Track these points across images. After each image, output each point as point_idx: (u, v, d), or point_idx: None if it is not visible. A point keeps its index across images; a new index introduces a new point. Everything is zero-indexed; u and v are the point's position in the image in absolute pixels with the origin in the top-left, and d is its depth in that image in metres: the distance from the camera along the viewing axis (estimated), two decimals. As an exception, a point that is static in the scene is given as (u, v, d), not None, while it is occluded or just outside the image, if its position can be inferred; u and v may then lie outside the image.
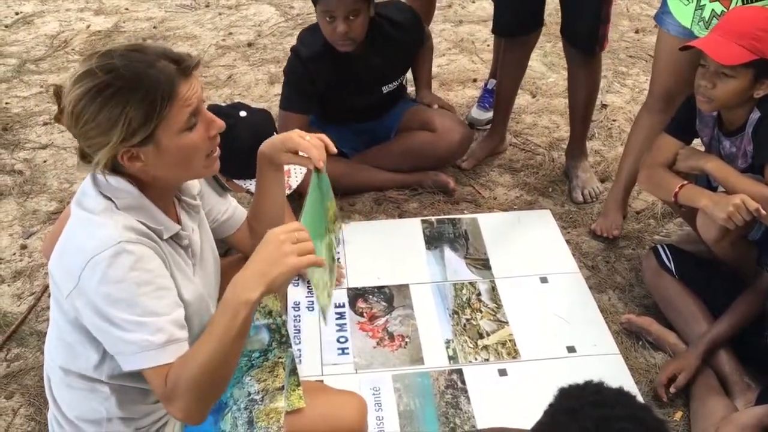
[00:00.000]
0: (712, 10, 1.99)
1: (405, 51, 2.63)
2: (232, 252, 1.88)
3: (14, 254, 2.42)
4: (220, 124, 1.32)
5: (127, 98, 1.19)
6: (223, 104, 2.24)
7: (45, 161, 2.86)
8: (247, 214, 1.64)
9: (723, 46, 1.83)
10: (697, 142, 2.16)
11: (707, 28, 2.01)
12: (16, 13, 4.02)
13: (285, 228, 1.20)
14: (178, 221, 1.37)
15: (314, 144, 1.42)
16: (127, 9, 4.10)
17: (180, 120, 1.24)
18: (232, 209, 1.61)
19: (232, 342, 1.19)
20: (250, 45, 3.74)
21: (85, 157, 1.27)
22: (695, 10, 2.04)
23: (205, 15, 4.05)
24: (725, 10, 1.98)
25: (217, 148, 1.33)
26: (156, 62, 1.22)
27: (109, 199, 1.26)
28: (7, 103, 3.22)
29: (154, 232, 1.28)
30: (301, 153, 1.44)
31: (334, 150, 1.45)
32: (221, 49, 3.71)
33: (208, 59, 3.60)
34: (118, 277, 1.18)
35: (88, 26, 3.90)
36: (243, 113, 1.96)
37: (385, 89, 2.65)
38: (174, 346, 1.22)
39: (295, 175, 2.09)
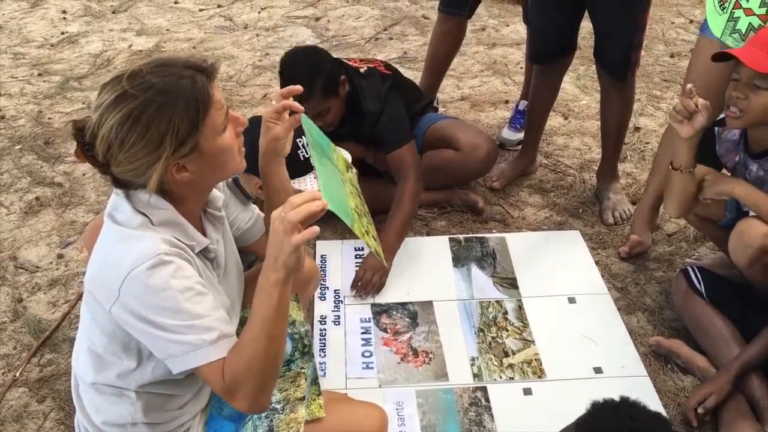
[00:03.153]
0: (749, 23, 1.98)
1: (365, 137, 2.53)
2: (257, 262, 1.90)
3: (51, 263, 2.48)
4: (243, 120, 1.36)
5: (171, 111, 1.22)
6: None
7: (84, 174, 2.94)
8: (264, 219, 1.67)
9: (759, 56, 1.80)
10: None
11: (743, 41, 1.99)
12: (62, 33, 4.16)
13: (283, 206, 1.20)
14: (204, 233, 1.40)
15: (280, 98, 1.48)
16: (168, 30, 4.22)
17: (218, 122, 1.28)
18: (254, 218, 1.64)
19: (274, 324, 1.23)
20: (285, 65, 3.81)
21: (123, 183, 1.29)
22: (727, 21, 2.03)
23: (243, 36, 4.15)
24: (762, 24, 1.96)
25: (243, 145, 1.37)
26: (184, 72, 1.26)
27: (144, 214, 1.29)
28: (50, 118, 3.32)
29: (188, 247, 1.31)
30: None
31: (300, 91, 1.49)
32: (257, 69, 3.78)
33: (245, 79, 3.68)
34: (160, 286, 1.22)
35: (130, 46, 4.01)
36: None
37: (368, 160, 2.62)
38: (224, 341, 1.27)
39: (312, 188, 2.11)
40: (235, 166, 1.36)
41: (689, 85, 1.89)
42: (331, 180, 1.36)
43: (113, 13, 4.43)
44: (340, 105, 2.41)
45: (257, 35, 4.16)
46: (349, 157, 1.59)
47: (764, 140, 1.94)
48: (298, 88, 1.51)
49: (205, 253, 1.38)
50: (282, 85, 2.31)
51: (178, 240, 1.30)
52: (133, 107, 1.22)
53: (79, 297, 2.27)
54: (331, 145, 1.53)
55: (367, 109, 2.46)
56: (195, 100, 1.24)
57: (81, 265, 2.44)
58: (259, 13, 4.43)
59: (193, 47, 4.01)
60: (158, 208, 1.30)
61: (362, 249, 2.51)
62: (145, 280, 1.21)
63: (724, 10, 2.03)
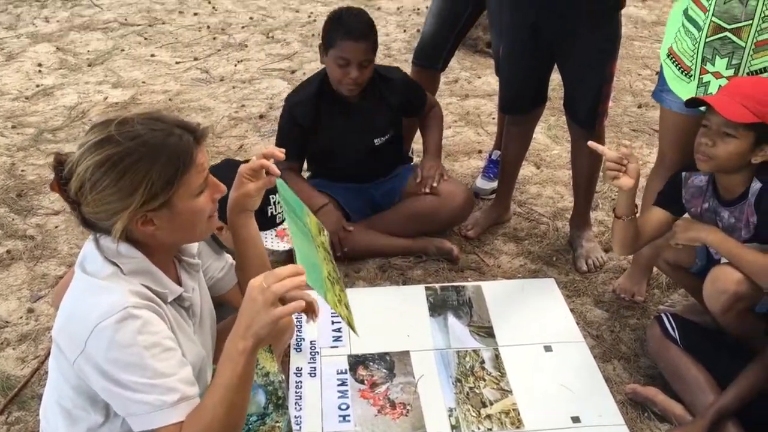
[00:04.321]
0: (719, 86, 2.04)
1: (393, 106, 2.74)
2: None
3: (21, 318, 2.43)
4: (223, 188, 1.36)
5: (151, 164, 1.24)
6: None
7: (56, 227, 2.91)
8: (235, 269, 1.66)
9: (729, 104, 1.86)
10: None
11: None
12: (37, 86, 4.17)
13: (262, 277, 1.20)
14: (179, 282, 1.39)
15: (261, 158, 1.50)
16: (144, 82, 4.24)
17: (195, 184, 1.29)
18: (227, 267, 1.64)
19: (237, 392, 1.21)
20: (261, 117, 3.85)
21: (90, 224, 1.30)
22: (698, 87, 2.08)
23: (219, 88, 4.19)
24: None
25: (216, 211, 1.37)
26: (174, 130, 1.28)
27: (115, 264, 1.29)
28: (23, 171, 3.30)
29: (158, 296, 1.30)
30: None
31: (281, 156, 1.53)
32: (233, 121, 3.81)
33: (221, 130, 3.70)
34: (126, 342, 1.20)
35: (106, 98, 4.03)
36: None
37: (376, 141, 2.73)
38: (185, 403, 1.25)
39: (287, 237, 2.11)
40: (202, 232, 1.36)
41: (624, 146, 1.97)
42: (306, 249, 1.37)
43: (89, 66, 4.45)
44: (373, 67, 2.61)
45: (233, 87, 4.20)
46: (323, 227, 1.62)
47: (734, 187, 1.99)
48: (281, 152, 1.54)
49: (179, 302, 1.37)
50: (333, 36, 2.50)
51: (150, 289, 1.29)
52: (114, 153, 1.23)
53: (49, 352, 2.22)
54: (304, 209, 1.54)
55: (393, 77, 2.74)
56: (177, 158, 1.25)
57: (51, 320, 2.40)
58: (236, 66, 4.49)
59: (170, 99, 4.04)
60: (129, 257, 1.29)
61: (338, 299, 2.50)
62: (111, 335, 1.20)
63: (691, 78, 2.09)
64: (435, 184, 2.71)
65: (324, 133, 2.66)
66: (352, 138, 2.69)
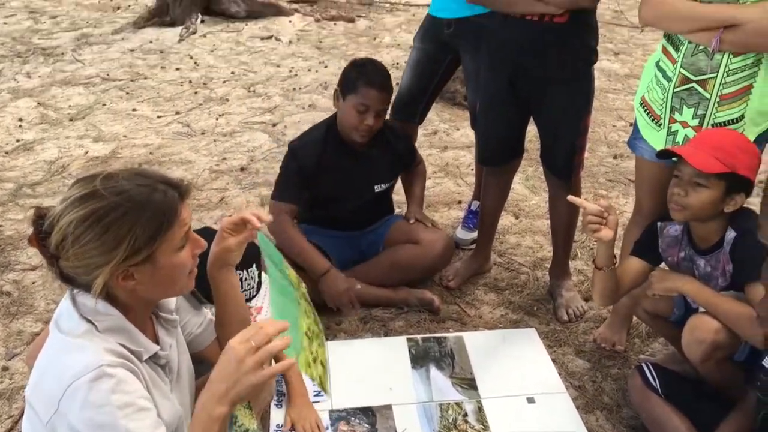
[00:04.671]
0: (685, 135, 2.10)
1: (397, 155, 2.81)
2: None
3: (-5, 376, 2.39)
4: (203, 243, 1.37)
5: (136, 219, 1.24)
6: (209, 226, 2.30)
7: (34, 282, 2.87)
8: (215, 325, 1.65)
9: (700, 155, 1.90)
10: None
11: None
12: (17, 141, 4.17)
13: (242, 337, 1.18)
14: (156, 339, 1.38)
15: (245, 213, 1.50)
16: (125, 136, 4.26)
17: (177, 239, 1.29)
18: (206, 322, 1.62)
19: None
20: (242, 169, 3.87)
21: (68, 279, 1.29)
22: (667, 135, 2.14)
23: (200, 141, 4.21)
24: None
25: (196, 266, 1.37)
26: (158, 185, 1.29)
27: (90, 321, 1.27)
28: (0, 226, 3.28)
29: (134, 354, 1.29)
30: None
31: (267, 218, 1.53)
32: (214, 173, 3.83)
33: (202, 183, 3.71)
34: (99, 402, 1.18)
35: (86, 152, 4.04)
36: None
37: (377, 188, 2.78)
38: None
39: (265, 311, 2.12)
40: (182, 287, 1.36)
41: (600, 196, 2.00)
42: (283, 306, 1.37)
43: (70, 120, 4.47)
44: (385, 116, 2.72)
45: (215, 140, 4.23)
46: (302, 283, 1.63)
47: (709, 236, 2.02)
48: (268, 216, 1.56)
49: (155, 360, 1.35)
50: (355, 83, 2.59)
51: (125, 347, 1.27)
52: (99, 207, 1.23)
53: (23, 412, 2.17)
54: (284, 261, 1.55)
55: (396, 126, 2.88)
56: (162, 213, 1.26)
57: (26, 378, 2.35)
58: (217, 119, 4.53)
59: (150, 153, 4.05)
60: (105, 314, 1.28)
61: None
62: (85, 394, 1.18)
63: (661, 126, 2.16)
64: (429, 225, 2.82)
65: (327, 177, 2.68)
66: (355, 183, 2.73)
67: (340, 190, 2.72)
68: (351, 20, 6.76)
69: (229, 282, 1.56)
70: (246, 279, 2.03)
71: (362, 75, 2.60)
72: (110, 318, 1.29)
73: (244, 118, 4.55)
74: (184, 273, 1.34)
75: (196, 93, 4.97)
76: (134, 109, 4.65)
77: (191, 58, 5.68)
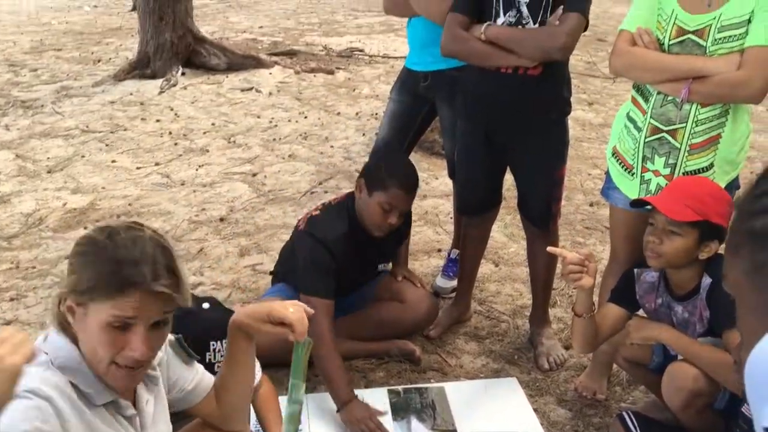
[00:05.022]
0: (657, 184, 2.14)
1: (399, 232, 2.76)
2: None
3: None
4: (136, 353, 1.28)
5: (95, 261, 1.27)
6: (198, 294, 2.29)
7: (7, 337, 2.82)
8: (215, 382, 1.61)
9: (672, 204, 1.94)
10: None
11: None
12: (-6, 193, 4.15)
13: None
14: (134, 392, 1.36)
15: (299, 318, 1.42)
16: (103, 188, 4.25)
17: (104, 315, 1.25)
18: (198, 377, 1.57)
19: None
20: (222, 220, 3.86)
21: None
22: (640, 184, 2.19)
23: (179, 192, 4.21)
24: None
25: (129, 366, 1.30)
26: (142, 263, 1.26)
27: (47, 354, 1.29)
28: (-25, 279, 3.23)
29: (85, 397, 1.27)
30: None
31: (310, 312, 1.49)
32: (193, 224, 3.82)
33: (180, 234, 3.70)
34: (7, 423, 1.13)
35: (65, 204, 4.01)
36: (206, 305, 2.00)
37: (380, 267, 2.79)
38: None
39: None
40: (102, 371, 1.29)
41: (581, 251, 2.03)
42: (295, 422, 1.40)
43: (48, 172, 4.46)
44: None
45: (194, 191, 4.23)
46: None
47: (686, 283, 2.04)
48: (311, 311, 1.52)
49: (117, 409, 1.33)
50: (386, 183, 2.49)
51: (75, 387, 1.27)
52: (89, 238, 1.32)
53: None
54: (302, 377, 1.50)
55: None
56: (115, 278, 1.25)
57: None
58: (197, 170, 4.54)
59: (129, 204, 4.04)
60: (63, 349, 1.30)
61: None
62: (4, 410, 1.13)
63: (634, 175, 2.20)
64: (417, 284, 2.85)
65: (345, 267, 2.58)
66: (362, 265, 2.71)
67: (347, 273, 2.63)
68: (330, 72, 6.86)
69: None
70: (219, 350, 1.94)
71: (394, 176, 2.49)
72: (68, 357, 1.28)
73: (224, 169, 4.57)
74: (103, 357, 1.27)
75: (176, 144, 4.98)
76: (113, 161, 4.65)
77: (172, 109, 5.71)
